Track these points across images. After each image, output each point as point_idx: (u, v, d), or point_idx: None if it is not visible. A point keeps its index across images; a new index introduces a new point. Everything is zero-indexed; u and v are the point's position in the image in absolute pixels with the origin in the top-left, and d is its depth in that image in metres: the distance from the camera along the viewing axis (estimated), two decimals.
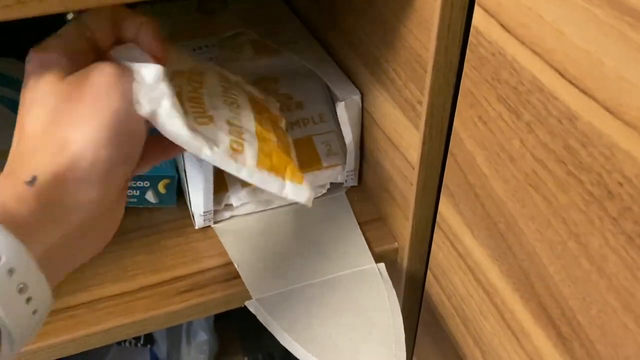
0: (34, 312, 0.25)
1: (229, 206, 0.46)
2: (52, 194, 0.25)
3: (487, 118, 0.29)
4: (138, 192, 0.47)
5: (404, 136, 0.39)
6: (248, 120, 0.36)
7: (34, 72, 0.27)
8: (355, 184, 0.49)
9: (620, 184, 0.22)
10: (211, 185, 0.43)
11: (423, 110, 0.35)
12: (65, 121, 0.26)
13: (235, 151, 0.32)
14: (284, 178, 0.34)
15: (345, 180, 0.48)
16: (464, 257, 0.36)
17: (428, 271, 0.43)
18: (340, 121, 0.46)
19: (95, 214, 0.27)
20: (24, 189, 0.24)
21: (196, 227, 0.46)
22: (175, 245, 0.45)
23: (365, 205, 0.48)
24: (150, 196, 0.48)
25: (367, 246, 0.45)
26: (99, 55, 0.30)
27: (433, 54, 0.32)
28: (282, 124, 0.40)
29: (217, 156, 0.31)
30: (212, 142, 0.31)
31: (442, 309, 0.42)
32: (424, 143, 0.36)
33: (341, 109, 0.45)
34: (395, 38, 0.36)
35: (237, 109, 0.36)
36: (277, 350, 0.68)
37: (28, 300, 0.24)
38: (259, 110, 0.39)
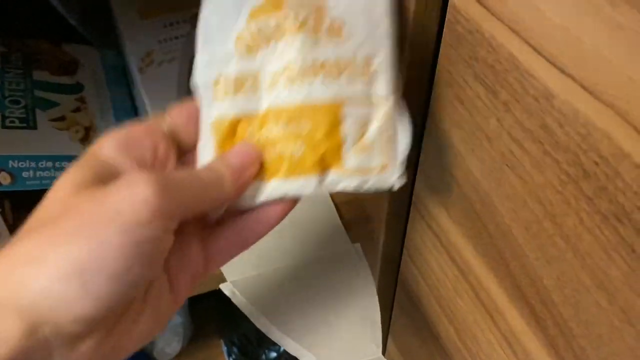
0: None
1: None
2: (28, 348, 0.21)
3: (464, 97, 0.29)
4: None
5: None
6: None
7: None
8: None
9: (596, 164, 0.21)
10: None
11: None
12: (54, 227, 0.23)
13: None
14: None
15: None
16: (439, 236, 0.36)
17: (404, 251, 0.43)
18: None
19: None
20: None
21: None
22: None
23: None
24: None
25: (342, 227, 0.44)
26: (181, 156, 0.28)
27: (409, 33, 0.31)
28: None
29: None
30: None
31: (417, 288, 0.42)
32: None
33: None
34: None
35: None
36: (252, 333, 0.67)
37: None
38: None
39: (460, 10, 0.28)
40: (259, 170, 0.27)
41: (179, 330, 0.67)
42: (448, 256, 0.36)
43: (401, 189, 0.40)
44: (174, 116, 0.29)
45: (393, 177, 0.28)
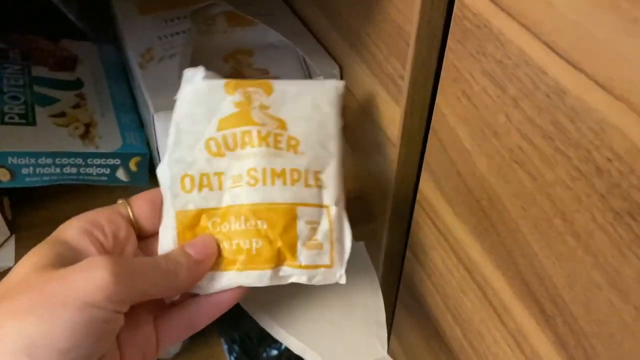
0: None
1: None
2: None
3: (471, 93, 0.29)
4: (109, 170, 0.45)
5: (384, 112, 0.38)
6: None
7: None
8: None
9: (609, 160, 0.21)
10: None
11: (405, 85, 0.34)
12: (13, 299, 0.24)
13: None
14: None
15: None
16: (445, 234, 0.36)
17: (407, 249, 0.43)
18: None
19: None
20: None
21: None
22: None
23: (345, 183, 0.47)
24: (121, 174, 0.46)
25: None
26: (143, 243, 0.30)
27: (416, 27, 0.31)
28: None
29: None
30: None
31: (421, 286, 0.42)
32: (405, 119, 0.35)
33: None
34: (377, 10, 0.35)
35: None
36: (253, 331, 0.67)
37: None
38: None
39: (467, 5, 0.27)
40: (216, 261, 0.30)
41: None
42: (454, 254, 0.35)
43: (406, 186, 0.40)
44: (138, 204, 0.30)
45: (338, 274, 0.31)
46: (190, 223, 0.30)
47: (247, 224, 0.30)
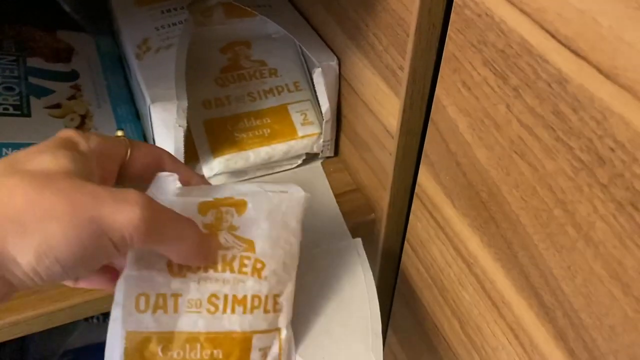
0: None
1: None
2: None
3: (472, 83, 0.28)
4: None
5: (383, 104, 0.38)
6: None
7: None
8: (332, 154, 0.48)
9: (612, 150, 0.21)
10: (182, 156, 0.42)
11: (404, 76, 0.33)
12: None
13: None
14: None
15: (322, 151, 0.47)
16: (443, 227, 0.36)
17: (405, 242, 0.42)
18: (316, 88, 0.44)
19: None
20: None
21: None
22: None
23: (342, 176, 0.47)
24: None
25: (343, 220, 0.44)
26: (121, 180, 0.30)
27: (416, 17, 0.30)
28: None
29: None
30: None
31: (419, 279, 0.41)
32: (404, 111, 0.35)
33: (317, 76, 0.43)
34: (376, 0, 0.35)
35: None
36: None
37: None
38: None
39: None
40: None
41: None
42: (452, 247, 0.35)
43: (404, 178, 0.40)
44: (138, 153, 0.30)
45: None
46: (140, 346, 0.29)
47: (203, 353, 0.29)
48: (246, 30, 0.50)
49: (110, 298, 0.38)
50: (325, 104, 0.44)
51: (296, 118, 0.46)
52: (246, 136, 0.44)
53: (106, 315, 0.70)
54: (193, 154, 0.43)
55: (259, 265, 0.30)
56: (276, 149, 0.45)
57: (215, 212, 0.31)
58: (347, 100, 0.44)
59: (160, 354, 0.29)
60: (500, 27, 0.25)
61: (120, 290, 0.29)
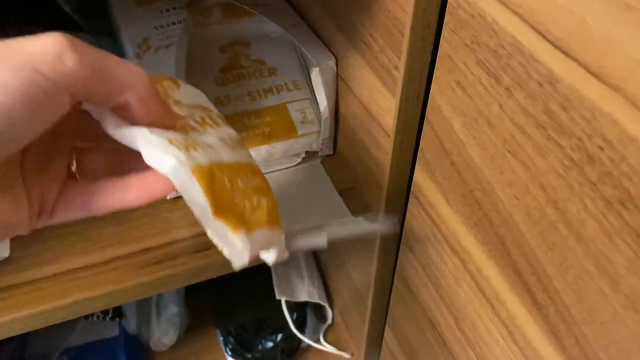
0: None
1: None
2: None
3: (466, 83, 0.29)
4: None
5: (379, 103, 0.38)
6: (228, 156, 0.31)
7: None
8: (331, 152, 0.49)
9: (601, 148, 0.21)
10: None
11: (400, 76, 0.34)
12: None
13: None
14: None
15: (321, 149, 0.48)
16: (439, 225, 0.36)
17: (402, 240, 0.43)
18: (314, 88, 0.45)
19: None
20: None
21: (168, 197, 0.45)
22: (144, 216, 0.44)
23: (340, 174, 0.48)
24: None
25: (342, 201, 0.44)
26: None
27: (411, 17, 0.31)
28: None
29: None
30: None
31: (415, 277, 0.42)
32: (400, 110, 0.35)
33: (316, 75, 0.43)
34: (372, 1, 0.35)
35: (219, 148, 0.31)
36: (249, 323, 0.67)
37: None
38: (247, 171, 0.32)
39: None
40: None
41: (175, 320, 0.67)
42: (447, 245, 0.35)
43: (400, 177, 0.40)
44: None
45: None
46: (208, 180, 0.26)
47: (256, 179, 0.30)
48: (245, 29, 0.50)
49: (110, 297, 0.39)
50: (323, 103, 0.45)
51: (296, 116, 0.46)
52: (246, 135, 0.45)
53: (106, 313, 0.70)
54: None
55: (214, 117, 0.30)
56: (276, 147, 0.45)
57: (158, 87, 0.28)
58: (345, 99, 0.44)
59: (227, 184, 0.27)
60: (492, 27, 0.26)
61: (145, 135, 0.25)
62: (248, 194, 0.28)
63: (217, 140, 0.29)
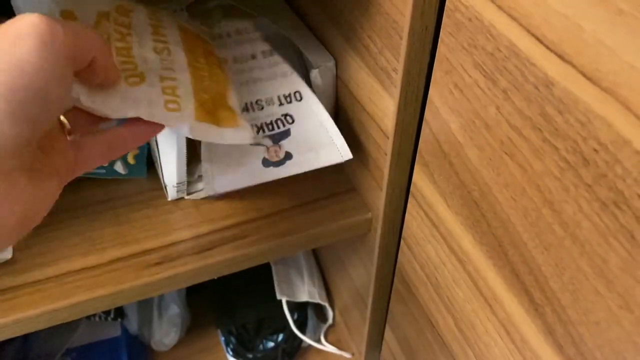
0: None
1: (202, 177, 0.45)
2: None
3: (463, 85, 0.29)
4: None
5: (378, 105, 0.38)
6: (180, 68, 0.35)
7: None
8: None
9: (596, 151, 0.21)
10: (184, 156, 0.42)
11: (398, 78, 0.34)
12: None
13: (172, 111, 0.32)
14: (219, 126, 0.35)
15: None
16: (438, 226, 0.36)
17: (401, 241, 0.43)
18: (314, 89, 0.45)
19: None
20: None
21: (169, 199, 0.45)
22: (145, 217, 0.44)
23: (339, 175, 0.48)
24: (119, 167, 0.46)
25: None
26: None
27: (409, 20, 0.31)
28: (216, 53, 0.41)
29: (156, 117, 0.31)
30: (146, 103, 0.31)
31: (415, 277, 0.42)
32: (398, 112, 0.36)
33: (315, 76, 0.44)
34: (371, 3, 0.35)
35: (168, 56, 0.35)
36: (250, 323, 0.68)
37: None
38: (191, 47, 0.39)
39: None
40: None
41: (177, 320, 0.67)
42: (446, 245, 0.36)
43: (399, 178, 0.40)
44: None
45: None
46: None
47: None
48: None
49: (111, 297, 0.39)
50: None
51: None
52: None
53: (108, 314, 0.70)
54: (194, 153, 0.44)
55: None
56: None
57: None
58: (344, 101, 0.45)
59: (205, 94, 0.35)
60: (489, 30, 0.26)
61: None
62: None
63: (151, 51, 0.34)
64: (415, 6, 0.31)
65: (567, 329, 0.26)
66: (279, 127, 0.42)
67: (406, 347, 0.49)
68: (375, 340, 0.58)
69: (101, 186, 0.47)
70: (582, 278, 0.24)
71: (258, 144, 0.40)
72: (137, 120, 0.31)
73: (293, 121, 0.42)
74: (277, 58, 0.45)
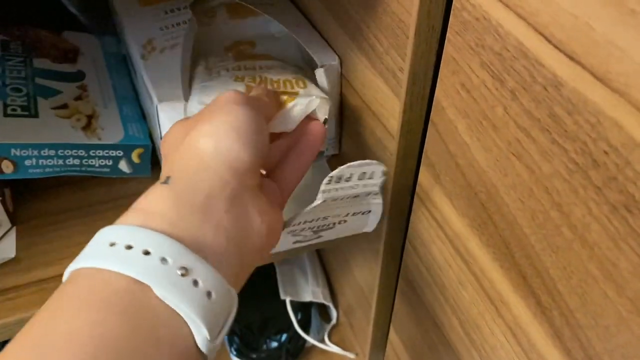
0: (208, 293, 0.24)
1: None
2: (185, 184, 0.27)
3: (470, 85, 0.29)
4: (111, 161, 0.45)
5: (384, 105, 0.38)
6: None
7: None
8: (336, 152, 0.49)
9: (606, 153, 0.21)
10: None
11: (404, 77, 0.34)
12: (192, 128, 0.29)
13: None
14: None
15: (326, 149, 0.48)
16: (443, 227, 0.36)
17: (407, 242, 0.43)
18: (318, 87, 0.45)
19: (235, 208, 0.28)
20: (162, 188, 0.27)
21: None
22: None
23: None
24: (123, 166, 0.46)
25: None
26: None
27: (416, 19, 0.31)
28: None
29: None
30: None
31: (420, 279, 0.42)
32: (404, 112, 0.35)
33: (320, 75, 0.43)
34: (377, 2, 0.35)
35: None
36: (253, 322, 0.67)
37: (195, 282, 0.24)
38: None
39: None
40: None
41: None
42: (452, 247, 0.35)
43: (405, 178, 0.40)
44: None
45: None
46: None
47: None
48: (250, 29, 0.50)
49: None
50: None
51: None
52: None
53: None
54: None
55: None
56: None
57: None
58: (349, 100, 0.44)
59: None
60: (497, 30, 0.26)
61: None
62: None
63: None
64: (421, 5, 0.30)
65: (575, 332, 0.25)
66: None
67: (411, 348, 0.49)
68: (380, 341, 0.57)
69: (106, 185, 0.47)
70: (591, 281, 0.24)
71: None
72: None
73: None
74: None
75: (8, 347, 0.21)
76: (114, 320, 0.21)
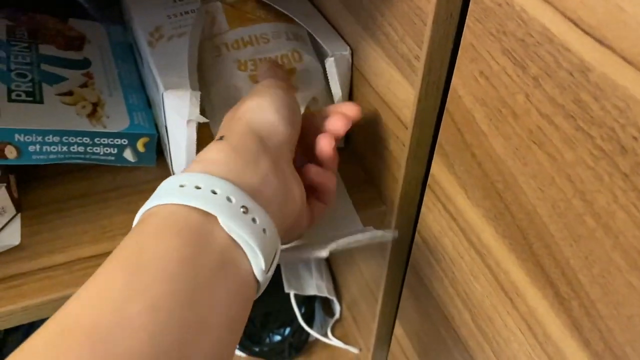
0: (264, 230, 0.28)
1: None
2: (237, 142, 0.31)
3: (490, 73, 0.28)
4: (116, 150, 0.45)
5: (397, 94, 0.37)
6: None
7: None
8: (342, 145, 0.48)
9: (635, 139, 0.21)
10: (194, 144, 0.42)
11: (420, 66, 0.33)
12: (241, 105, 0.35)
13: None
14: None
15: None
16: (456, 218, 0.36)
17: (416, 234, 0.42)
18: (329, 78, 0.44)
19: (275, 174, 0.31)
20: (218, 143, 0.31)
21: None
22: None
23: (353, 167, 0.47)
24: (128, 155, 0.46)
25: (355, 211, 0.44)
26: None
27: (434, 6, 0.30)
28: None
29: None
30: None
31: (429, 271, 0.41)
32: (419, 101, 0.35)
33: (330, 65, 0.43)
34: None
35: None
36: (256, 316, 0.67)
37: (253, 220, 0.27)
38: None
39: None
40: None
41: None
42: (465, 238, 0.35)
43: (417, 169, 0.40)
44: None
45: None
46: None
47: None
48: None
49: None
50: (337, 94, 0.44)
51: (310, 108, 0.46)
52: None
53: None
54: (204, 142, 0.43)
55: None
56: None
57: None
58: (360, 90, 0.44)
59: None
60: (520, 15, 0.25)
61: None
62: None
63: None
64: None
65: (596, 323, 0.25)
66: None
67: (417, 342, 0.49)
68: (384, 336, 0.57)
69: (110, 174, 0.46)
70: (614, 271, 0.23)
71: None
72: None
73: None
74: None
75: (101, 267, 0.25)
76: (189, 245, 0.25)
